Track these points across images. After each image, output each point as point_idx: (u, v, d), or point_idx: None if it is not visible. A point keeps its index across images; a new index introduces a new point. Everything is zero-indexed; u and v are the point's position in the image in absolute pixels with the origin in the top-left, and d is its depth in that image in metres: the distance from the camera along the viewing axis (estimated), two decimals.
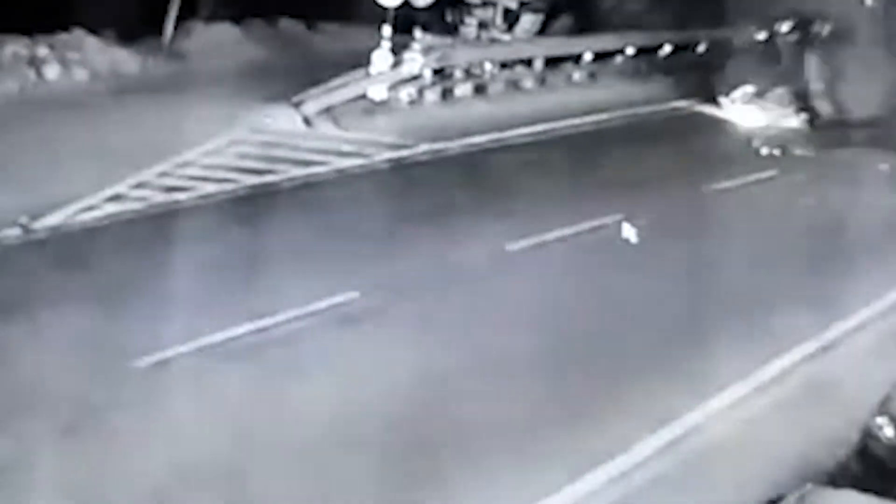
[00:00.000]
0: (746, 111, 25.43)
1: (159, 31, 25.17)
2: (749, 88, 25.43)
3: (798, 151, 23.06)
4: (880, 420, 10.65)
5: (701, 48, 28.41)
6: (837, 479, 10.51)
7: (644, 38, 28.26)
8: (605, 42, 27.87)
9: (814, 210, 19.11)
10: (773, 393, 12.89)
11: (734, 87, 25.59)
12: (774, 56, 25.60)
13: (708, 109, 25.95)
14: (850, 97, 24.04)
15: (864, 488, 9.73)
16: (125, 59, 24.16)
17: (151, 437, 10.70)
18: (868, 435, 10.68)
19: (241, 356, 12.34)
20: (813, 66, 24.76)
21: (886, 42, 23.66)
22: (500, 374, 12.47)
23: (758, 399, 12.70)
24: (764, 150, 22.84)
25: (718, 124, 25.17)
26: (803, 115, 25.02)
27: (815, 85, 24.71)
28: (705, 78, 26.34)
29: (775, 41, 25.39)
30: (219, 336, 12.56)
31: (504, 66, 26.60)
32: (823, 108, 24.62)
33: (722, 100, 25.82)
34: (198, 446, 10.59)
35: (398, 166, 20.07)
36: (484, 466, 10.78)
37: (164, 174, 17.91)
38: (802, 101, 25.00)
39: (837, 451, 11.18)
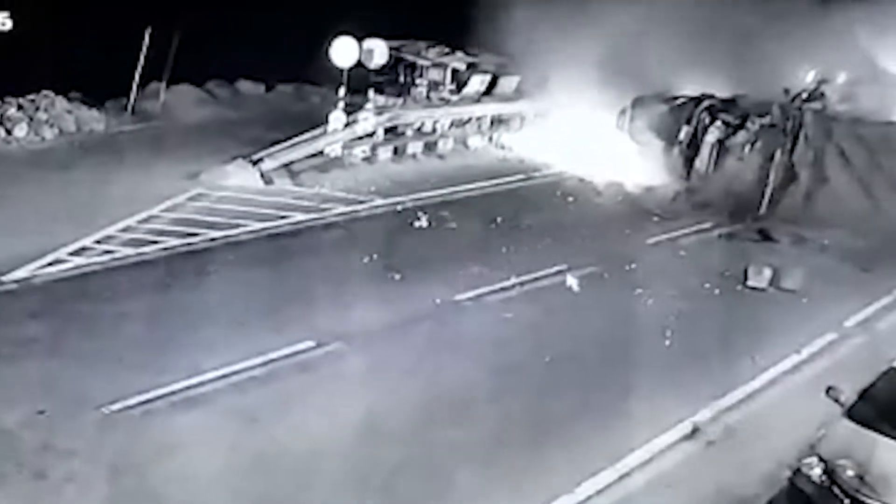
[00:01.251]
0: None
1: (124, 92, 25.84)
2: None
3: None
4: (809, 460, 10.79)
5: None
6: None
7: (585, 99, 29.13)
8: (548, 102, 28.74)
9: None
10: None
11: None
12: None
13: None
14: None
15: None
16: (92, 119, 24.88)
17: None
18: (797, 474, 10.81)
19: (200, 402, 12.70)
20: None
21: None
22: (437, 416, 12.95)
23: None
24: None
25: None
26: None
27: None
28: None
29: None
30: (179, 385, 12.91)
31: (454, 124, 27.56)
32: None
33: None
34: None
35: (352, 220, 20.74)
36: None
37: (128, 229, 18.48)
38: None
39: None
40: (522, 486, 11.57)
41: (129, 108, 25.97)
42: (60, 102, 24.55)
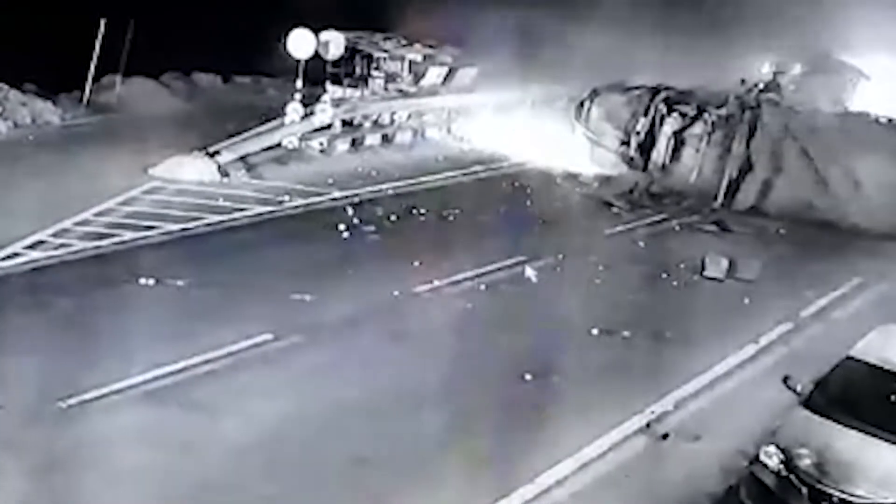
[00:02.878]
0: None
1: (79, 84, 25.61)
2: None
3: None
4: (768, 449, 10.77)
5: None
6: None
7: (543, 89, 29.33)
8: (506, 94, 28.89)
9: None
10: None
11: None
12: None
13: None
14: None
15: None
16: (46, 111, 24.70)
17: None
18: (755, 463, 10.81)
19: (159, 396, 12.58)
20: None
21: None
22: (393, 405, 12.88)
23: None
24: None
25: None
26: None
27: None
28: None
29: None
30: (137, 379, 12.78)
31: (411, 116, 27.55)
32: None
33: None
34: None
35: (310, 212, 20.68)
36: None
37: (84, 222, 18.34)
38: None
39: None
40: (478, 479, 11.45)
41: (85, 100, 25.81)
42: (14, 95, 24.35)
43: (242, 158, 22.92)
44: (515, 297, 17.13)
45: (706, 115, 25.01)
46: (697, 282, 18.73)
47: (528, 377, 14.00)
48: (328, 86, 25.51)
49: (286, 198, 21.11)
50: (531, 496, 11.25)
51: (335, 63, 25.99)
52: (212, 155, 22.45)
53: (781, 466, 10.69)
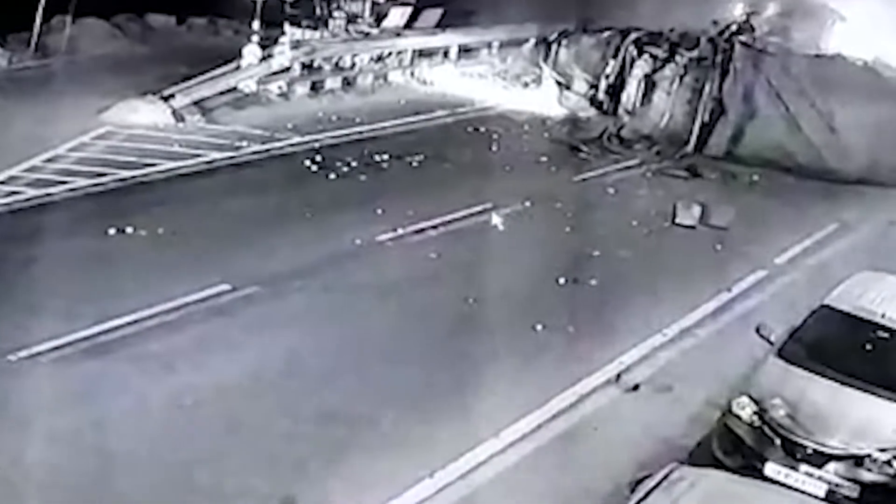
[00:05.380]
0: None
1: (27, 26, 24.93)
2: None
3: None
4: (741, 400, 10.72)
5: None
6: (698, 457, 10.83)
7: (509, 32, 28.91)
8: (472, 36, 28.45)
9: None
10: None
11: None
12: None
13: None
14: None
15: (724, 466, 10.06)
16: None
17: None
18: (728, 414, 10.84)
19: (112, 349, 12.27)
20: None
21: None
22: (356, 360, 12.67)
23: None
24: None
25: None
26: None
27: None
28: None
29: None
30: (89, 332, 12.45)
31: (374, 58, 27.03)
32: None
33: None
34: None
35: (268, 158, 20.20)
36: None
37: (33, 169, 17.76)
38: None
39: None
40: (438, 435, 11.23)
41: (33, 43, 25.06)
42: None
43: (198, 103, 22.27)
44: (481, 246, 16.76)
45: (677, 58, 24.59)
46: (669, 229, 18.52)
47: (489, 328, 13.67)
48: (286, 27, 24.95)
49: (244, 143, 20.58)
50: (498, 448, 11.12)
51: (294, 4, 25.48)
52: (166, 99, 21.78)
53: (755, 417, 10.54)
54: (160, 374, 11.84)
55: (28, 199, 16.63)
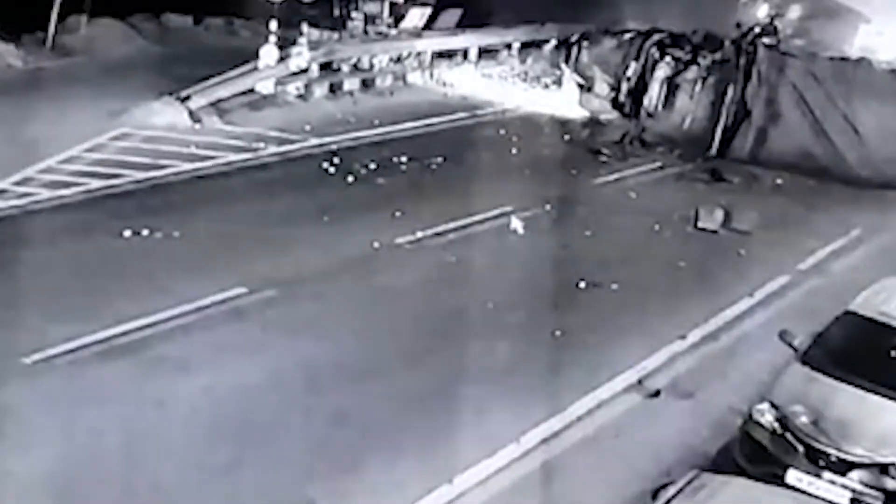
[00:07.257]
0: None
1: (43, 25, 24.89)
2: None
3: None
4: (762, 406, 10.70)
5: None
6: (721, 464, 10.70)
7: (530, 33, 28.77)
8: (491, 37, 28.32)
9: None
10: None
11: None
12: None
13: None
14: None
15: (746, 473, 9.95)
16: (8, 54, 23.86)
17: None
18: (749, 421, 10.79)
19: (128, 351, 12.18)
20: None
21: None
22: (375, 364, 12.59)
23: None
24: None
25: None
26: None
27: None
28: None
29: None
30: (105, 333, 12.36)
31: (392, 60, 26.93)
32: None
33: None
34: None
35: (286, 161, 20.07)
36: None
37: (48, 170, 17.68)
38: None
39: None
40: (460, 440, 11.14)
41: (49, 42, 25.02)
42: None
43: (215, 104, 22.14)
44: (500, 250, 16.69)
45: (700, 60, 24.36)
46: (691, 233, 18.35)
47: (508, 333, 13.58)
48: (304, 28, 24.73)
49: (261, 145, 20.42)
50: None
51: (312, 4, 25.35)
52: (183, 100, 21.64)
53: (776, 424, 10.48)
54: (177, 377, 11.77)
55: (43, 200, 16.55)
